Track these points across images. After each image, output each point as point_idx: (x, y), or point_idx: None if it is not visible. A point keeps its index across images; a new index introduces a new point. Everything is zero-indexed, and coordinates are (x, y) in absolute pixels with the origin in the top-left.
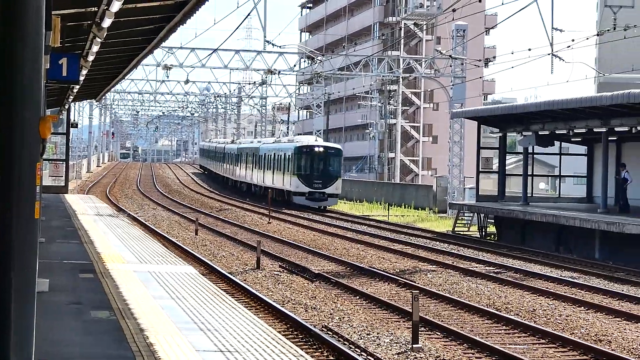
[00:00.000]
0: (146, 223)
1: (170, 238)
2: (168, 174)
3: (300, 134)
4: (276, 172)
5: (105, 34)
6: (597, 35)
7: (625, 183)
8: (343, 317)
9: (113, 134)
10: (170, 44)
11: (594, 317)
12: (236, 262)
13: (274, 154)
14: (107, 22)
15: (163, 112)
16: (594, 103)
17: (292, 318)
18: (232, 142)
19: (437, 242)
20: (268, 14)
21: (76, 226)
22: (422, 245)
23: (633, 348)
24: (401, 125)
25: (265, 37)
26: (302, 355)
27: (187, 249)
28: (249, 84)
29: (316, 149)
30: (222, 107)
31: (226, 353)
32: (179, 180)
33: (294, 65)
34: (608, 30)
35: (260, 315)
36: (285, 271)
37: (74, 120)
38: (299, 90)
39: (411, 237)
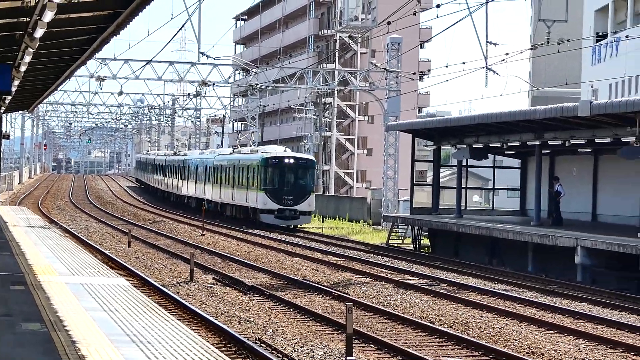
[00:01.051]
0: (78, 235)
1: (103, 250)
2: (101, 186)
3: (266, 144)
4: (237, 187)
5: (37, 45)
6: (531, 49)
7: (558, 196)
8: (277, 330)
9: (45, 145)
10: (103, 55)
11: (527, 330)
12: (169, 274)
13: (234, 166)
14: (39, 33)
15: (96, 124)
16: (527, 116)
17: (225, 330)
18: (175, 153)
19: (371, 255)
20: (202, 25)
21: (7, 237)
22: (357, 257)
23: None
24: (336, 138)
25: (199, 48)
26: None
27: (119, 261)
28: (183, 95)
29: (286, 160)
30: (156, 119)
31: None
32: (112, 192)
33: (229, 77)
34: (542, 44)
35: (194, 327)
36: (218, 283)
37: (6, 131)
38: (233, 102)
39: (345, 250)
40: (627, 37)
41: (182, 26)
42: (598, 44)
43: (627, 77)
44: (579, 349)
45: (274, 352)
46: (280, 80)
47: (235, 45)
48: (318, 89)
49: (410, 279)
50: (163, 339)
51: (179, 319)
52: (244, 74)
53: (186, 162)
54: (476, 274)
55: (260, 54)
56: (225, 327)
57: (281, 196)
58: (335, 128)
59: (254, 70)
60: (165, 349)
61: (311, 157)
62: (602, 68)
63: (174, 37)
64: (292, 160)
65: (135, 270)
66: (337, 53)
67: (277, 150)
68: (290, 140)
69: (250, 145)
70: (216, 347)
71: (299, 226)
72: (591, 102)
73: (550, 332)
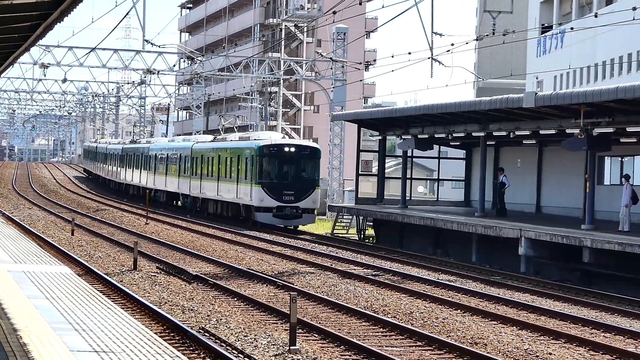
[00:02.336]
0: (21, 223)
1: (46, 238)
2: (45, 174)
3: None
4: (224, 180)
5: None
6: (477, 40)
7: (503, 187)
8: (220, 319)
9: None
10: (47, 42)
11: (470, 320)
12: (113, 262)
13: (219, 156)
14: None
15: (40, 111)
16: (472, 107)
17: (169, 319)
18: (133, 141)
19: (316, 245)
20: (147, 13)
21: None
22: (301, 247)
23: (508, 351)
24: (282, 128)
25: (144, 36)
26: (178, 357)
27: (62, 249)
28: (128, 83)
29: (286, 148)
30: (100, 107)
31: (101, 353)
32: (55, 180)
33: (174, 66)
34: (487, 35)
35: (137, 316)
36: (162, 272)
37: None
38: (178, 91)
39: (290, 240)
40: (572, 28)
41: (127, 13)
42: (543, 35)
43: (572, 69)
44: (522, 339)
45: (217, 341)
46: (225, 69)
47: (181, 34)
48: (264, 78)
49: (354, 269)
50: (106, 327)
51: (122, 308)
52: (189, 62)
53: (151, 150)
54: (420, 264)
55: (205, 43)
56: (168, 316)
57: (281, 191)
58: (281, 117)
59: (199, 58)
60: (108, 337)
61: (315, 144)
62: (547, 60)
63: (118, 24)
64: (293, 149)
65: (79, 259)
66: (282, 42)
67: (274, 137)
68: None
69: (194, 134)
70: (159, 336)
71: (300, 227)
72: (536, 94)
73: (494, 322)
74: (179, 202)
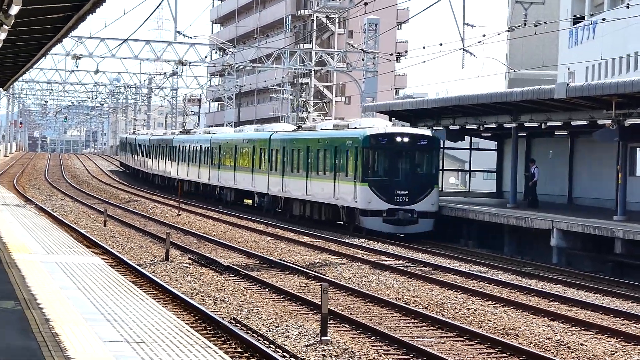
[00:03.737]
0: (54, 214)
1: (78, 229)
2: (77, 165)
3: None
4: (316, 177)
5: (12, 22)
6: (508, 31)
7: (532, 179)
8: (252, 310)
9: (21, 123)
10: (79, 33)
11: (502, 311)
12: (145, 253)
13: (309, 148)
14: (14, 10)
15: (72, 102)
16: (504, 99)
17: (200, 310)
18: (186, 132)
19: (347, 236)
20: (179, 4)
21: None
22: (332, 238)
23: (539, 342)
24: (313, 119)
25: (176, 27)
26: (209, 347)
27: (95, 240)
28: (160, 74)
29: (398, 139)
30: (132, 98)
31: (132, 344)
32: (88, 171)
33: (205, 57)
34: (519, 26)
35: (169, 307)
36: (194, 263)
37: None
38: (210, 82)
39: (322, 231)
40: (604, 19)
41: (159, 5)
42: (575, 26)
43: (604, 60)
44: (553, 330)
45: (249, 332)
46: (257, 60)
47: (212, 25)
48: (295, 69)
49: (385, 260)
50: (137, 317)
51: (154, 298)
52: (221, 53)
53: (213, 142)
54: (452, 255)
55: (237, 34)
56: (200, 306)
57: (392, 191)
58: (312, 109)
59: (230, 50)
60: (139, 327)
61: (432, 133)
62: (579, 51)
63: (150, 15)
64: (407, 139)
65: (111, 249)
66: (314, 33)
67: (379, 125)
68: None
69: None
70: (191, 327)
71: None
72: (568, 85)
73: (525, 313)
74: (250, 201)
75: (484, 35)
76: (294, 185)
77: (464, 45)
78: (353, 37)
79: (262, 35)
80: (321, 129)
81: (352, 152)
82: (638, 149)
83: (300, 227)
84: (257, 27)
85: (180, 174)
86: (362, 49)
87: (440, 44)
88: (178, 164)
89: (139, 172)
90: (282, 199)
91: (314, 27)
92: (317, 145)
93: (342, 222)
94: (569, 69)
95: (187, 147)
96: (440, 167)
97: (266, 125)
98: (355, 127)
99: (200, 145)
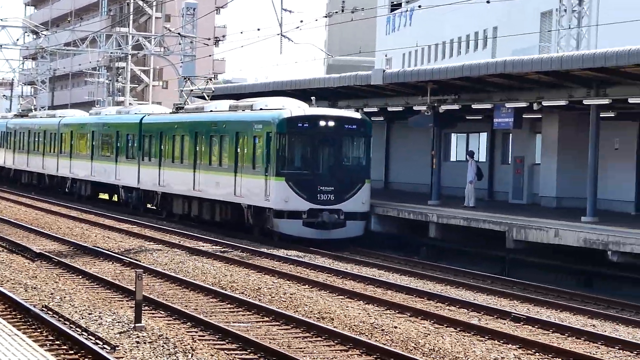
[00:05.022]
0: None
1: None
2: None
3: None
4: (206, 167)
5: None
6: (326, 17)
7: None
8: (64, 297)
9: None
10: None
11: (318, 295)
12: None
13: (196, 133)
14: None
15: None
16: (322, 84)
17: (10, 298)
18: (22, 115)
19: (164, 222)
20: None
21: None
22: (149, 224)
23: (354, 325)
24: (129, 103)
25: None
26: (16, 335)
27: None
28: None
29: (322, 122)
30: None
31: None
32: None
33: (17, 40)
34: (336, 12)
35: None
36: (5, 250)
37: None
38: (23, 66)
39: (137, 217)
40: (419, 6)
41: None
42: (392, 13)
43: (420, 47)
44: (368, 313)
45: (60, 319)
46: (72, 43)
47: (25, 7)
48: (111, 53)
49: (203, 246)
50: None
51: None
52: (34, 36)
53: (65, 127)
54: (268, 240)
55: (51, 16)
56: (10, 294)
57: (315, 187)
58: (129, 93)
59: (44, 32)
60: None
61: (363, 116)
62: (396, 37)
63: None
64: (332, 123)
65: None
66: (131, 17)
67: (295, 106)
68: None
69: (38, 110)
70: (0, 316)
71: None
72: (384, 71)
73: (341, 297)
74: (107, 196)
75: (301, 21)
76: (175, 178)
77: (282, 31)
78: (171, 21)
79: (77, 18)
80: (211, 111)
81: (262, 139)
82: (452, 134)
83: (117, 214)
84: (72, 10)
85: (18, 164)
86: (179, 33)
87: (258, 29)
88: (14, 152)
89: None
90: (158, 195)
91: (131, 11)
92: (211, 130)
93: (245, 225)
94: (386, 56)
95: (27, 133)
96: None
97: (132, 107)
98: (262, 109)
99: (45, 131)
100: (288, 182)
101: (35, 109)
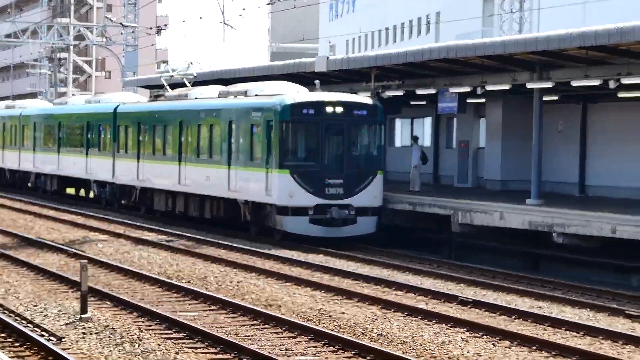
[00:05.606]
0: None
1: None
2: None
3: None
4: (194, 160)
5: None
6: (269, 4)
7: None
8: (9, 290)
9: None
10: None
11: (265, 283)
12: None
13: (180, 122)
14: None
15: None
16: (265, 72)
17: None
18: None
19: (108, 212)
20: None
21: None
22: (93, 215)
23: (302, 312)
24: (72, 94)
25: None
26: None
27: None
28: None
29: (329, 108)
30: None
31: None
32: None
33: None
34: (279, 0)
35: None
36: None
37: None
38: None
39: (81, 207)
40: None
41: None
42: (335, 0)
43: (363, 33)
44: (316, 300)
45: (6, 312)
46: (12, 35)
47: None
48: (52, 44)
49: (148, 236)
50: None
51: None
52: None
53: (28, 118)
54: (214, 230)
55: None
56: None
57: (322, 180)
58: (72, 84)
59: None
60: None
61: (374, 101)
62: (339, 24)
63: None
64: (340, 109)
65: None
66: (72, 7)
67: (289, 91)
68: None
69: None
70: None
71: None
72: (328, 58)
73: (288, 284)
74: (72, 190)
75: (244, 9)
76: (157, 172)
77: (224, 19)
78: (112, 11)
79: (18, 9)
80: (197, 98)
81: (262, 128)
82: (396, 120)
83: (59, 204)
84: (12, 1)
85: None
86: (121, 23)
87: (201, 18)
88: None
89: None
90: (136, 190)
91: (72, 1)
92: (199, 118)
93: (240, 222)
94: (330, 43)
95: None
96: None
97: (102, 96)
98: (257, 95)
99: (4, 124)
100: (293, 175)
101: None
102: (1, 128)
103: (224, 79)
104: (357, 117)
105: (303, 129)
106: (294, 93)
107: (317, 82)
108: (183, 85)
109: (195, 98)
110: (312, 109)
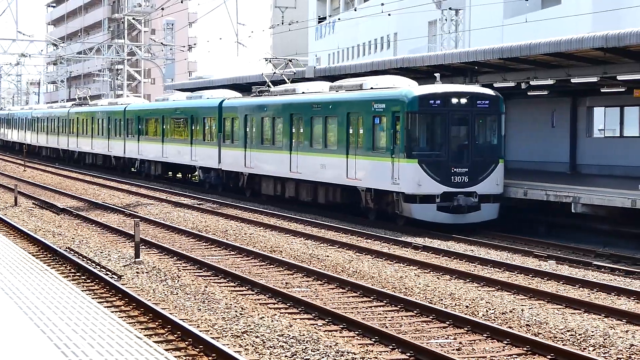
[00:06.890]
0: None
1: None
2: None
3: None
4: (318, 151)
5: None
6: (271, 28)
7: None
8: (82, 240)
9: None
10: None
11: (270, 234)
12: None
13: (302, 113)
14: None
15: None
16: (263, 79)
17: (42, 242)
18: (80, 104)
19: (155, 183)
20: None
21: None
22: (143, 184)
23: (297, 255)
24: (127, 96)
25: (17, 28)
26: (47, 270)
27: None
28: (6, 64)
29: (454, 100)
30: None
31: None
32: None
33: (42, 50)
34: (278, 24)
35: (17, 241)
36: (37, 207)
37: None
38: (47, 69)
39: (135, 179)
40: (339, 19)
41: (3, 11)
42: (320, 24)
43: (341, 49)
44: (307, 247)
45: (80, 256)
46: (82, 52)
47: (47, 26)
48: (112, 58)
49: (184, 200)
50: None
51: (4, 235)
52: (55, 47)
53: (132, 113)
54: (234, 196)
55: (66, 32)
56: (42, 239)
57: (448, 169)
58: (126, 88)
59: (61, 44)
60: None
61: (495, 92)
62: (323, 42)
63: None
64: (465, 100)
65: None
66: (126, 31)
67: (405, 83)
68: (92, 98)
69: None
70: (34, 256)
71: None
72: (315, 67)
73: (287, 235)
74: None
75: (252, 32)
76: (266, 160)
77: (238, 39)
78: (155, 33)
79: (86, 33)
80: (303, 92)
81: (387, 119)
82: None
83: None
84: (82, 27)
85: (82, 147)
86: (162, 43)
87: (220, 38)
88: (77, 137)
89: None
90: (244, 176)
91: (126, 27)
92: (311, 111)
93: (358, 208)
94: (316, 56)
95: (91, 120)
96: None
97: (203, 93)
98: (372, 88)
99: (110, 117)
100: (421, 165)
101: (90, 99)
102: (107, 121)
103: (329, 75)
104: (480, 107)
105: (430, 120)
106: (435, 86)
107: (437, 74)
108: (282, 82)
109: (302, 92)
110: (438, 100)
